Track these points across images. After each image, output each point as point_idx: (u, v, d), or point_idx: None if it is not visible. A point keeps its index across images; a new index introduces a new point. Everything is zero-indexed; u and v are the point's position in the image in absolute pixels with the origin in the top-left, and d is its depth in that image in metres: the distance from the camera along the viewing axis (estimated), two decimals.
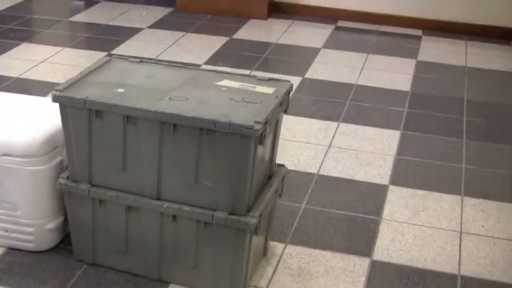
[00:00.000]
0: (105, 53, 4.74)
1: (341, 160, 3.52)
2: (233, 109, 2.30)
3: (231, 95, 2.41)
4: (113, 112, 2.32)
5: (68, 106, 2.36)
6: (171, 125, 2.28)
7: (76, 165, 2.47)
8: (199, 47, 4.96)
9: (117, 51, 4.81)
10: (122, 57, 2.71)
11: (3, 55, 4.72)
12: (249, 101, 2.36)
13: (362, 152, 3.60)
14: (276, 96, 2.42)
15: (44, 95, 3.95)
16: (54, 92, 2.37)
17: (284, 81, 2.55)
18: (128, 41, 5.04)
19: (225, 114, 2.25)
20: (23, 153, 2.49)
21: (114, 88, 2.42)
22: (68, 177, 2.51)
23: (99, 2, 5.99)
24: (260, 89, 2.47)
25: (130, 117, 2.32)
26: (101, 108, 2.33)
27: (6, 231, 2.65)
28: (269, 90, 2.46)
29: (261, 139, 2.27)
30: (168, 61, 4.62)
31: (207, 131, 2.25)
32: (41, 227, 2.62)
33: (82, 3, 5.96)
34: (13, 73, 4.40)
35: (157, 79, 2.53)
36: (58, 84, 4.23)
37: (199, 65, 4.59)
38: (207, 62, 4.66)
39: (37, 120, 2.61)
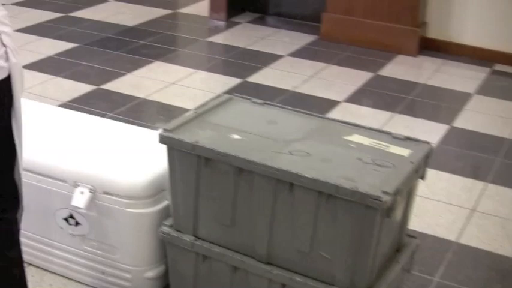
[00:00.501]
0: (239, 80, 4.59)
1: (484, 228, 3.16)
2: (360, 172, 2.04)
3: (360, 154, 2.15)
4: (224, 162, 2.11)
5: (176, 149, 2.18)
6: (287, 184, 2.04)
7: (181, 214, 2.28)
8: (340, 82, 4.71)
9: (252, 78, 4.64)
10: (244, 97, 2.51)
11: (134, 72, 4.68)
12: (379, 164, 2.09)
13: (510, 221, 3.22)
14: (412, 162, 2.13)
15: (169, 122, 3.83)
16: (161, 132, 2.20)
17: (423, 142, 2.26)
18: (265, 68, 4.87)
19: (349, 179, 1.99)
20: (125, 193, 2.33)
21: (229, 133, 2.22)
22: (171, 226, 2.33)
23: (240, 23, 5.88)
24: (394, 149, 2.19)
25: (243, 170, 2.10)
26: (211, 156, 2.13)
27: (103, 273, 2.50)
28: (404, 152, 2.18)
29: (389, 212, 1.99)
30: (305, 95, 4.41)
31: (327, 196, 2.00)
32: (140, 275, 2.46)
33: (223, 23, 5.87)
34: (141, 93, 4.33)
35: (279, 127, 2.31)
36: (186, 110, 4.18)
37: (338, 102, 4.34)
38: (348, 99, 4.41)
39: (145, 157, 2.45)
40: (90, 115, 2.80)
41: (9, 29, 1.79)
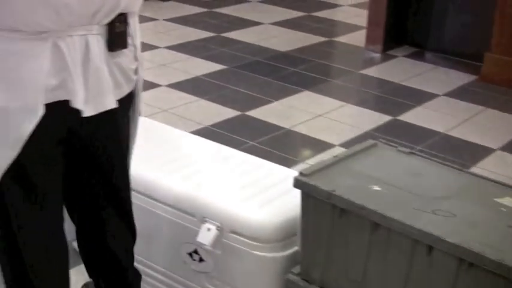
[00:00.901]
0: (389, 118, 4.46)
1: None
2: (508, 242, 1.88)
3: (511, 221, 1.98)
4: (360, 215, 2.01)
5: (311, 196, 2.10)
6: (426, 246, 1.91)
7: (310, 263, 2.20)
8: (497, 128, 4.48)
9: (402, 117, 4.50)
10: (390, 144, 2.39)
11: (281, 100, 4.65)
12: None
13: None
14: None
15: (312, 156, 3.77)
16: (297, 176, 2.12)
17: None
18: (417, 107, 4.71)
19: (496, 248, 1.83)
20: (253, 235, 2.26)
21: (369, 183, 2.12)
22: (298, 274, 2.25)
23: (396, 56, 5.74)
24: None
25: (379, 225, 1.99)
26: (347, 207, 2.03)
27: None
28: None
29: None
30: (457, 139, 4.22)
31: (468, 264, 1.85)
32: None
33: (379, 55, 5.75)
34: (286, 123, 4.29)
35: (424, 181, 2.17)
36: (330, 144, 4.10)
37: (493, 150, 4.12)
38: (504, 148, 4.18)
39: (278, 197, 2.37)
40: (224, 146, 2.75)
41: (139, 42, 1.85)
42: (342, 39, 6.18)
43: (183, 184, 2.43)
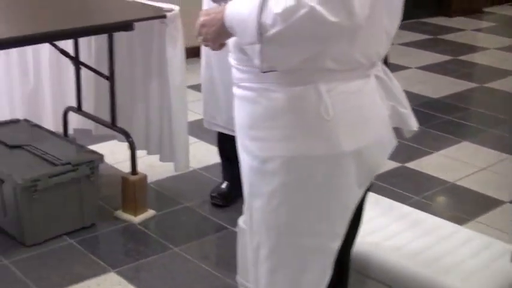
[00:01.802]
0: None
1: None
2: None
3: None
4: None
5: None
6: None
7: None
8: None
9: None
10: None
11: (442, 151, 4.49)
12: None
13: None
14: None
15: (482, 214, 3.58)
16: None
17: None
18: None
19: None
20: None
21: None
22: None
23: None
24: None
25: None
26: None
27: None
28: None
29: None
30: None
31: None
32: None
33: None
34: (449, 176, 4.12)
35: None
36: (500, 201, 3.88)
37: None
38: None
39: (480, 267, 2.23)
40: (406, 206, 2.66)
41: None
42: (494, 85, 5.96)
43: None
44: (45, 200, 3.21)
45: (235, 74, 1.79)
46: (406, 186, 3.97)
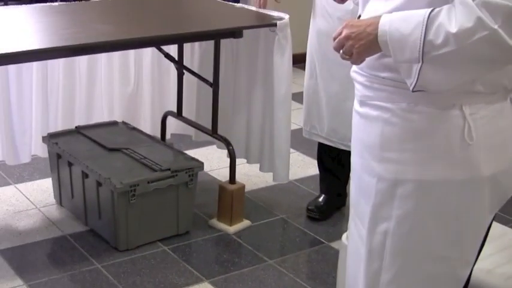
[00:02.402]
0: None
1: None
2: None
3: None
4: None
5: None
6: None
7: None
8: None
9: None
10: None
11: None
12: None
13: None
14: None
15: None
16: None
17: None
18: None
19: None
20: None
21: None
22: None
23: None
24: None
25: None
26: None
27: None
28: None
29: None
30: None
31: None
32: None
33: None
34: None
35: None
36: None
37: None
38: None
39: None
40: None
41: None
42: None
43: None
44: (142, 206, 3.20)
45: (363, 91, 1.75)
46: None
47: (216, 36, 3.33)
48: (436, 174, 1.63)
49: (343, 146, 3.43)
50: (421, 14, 1.51)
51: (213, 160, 4.16)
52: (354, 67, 1.78)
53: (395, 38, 1.55)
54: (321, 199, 3.67)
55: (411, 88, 1.56)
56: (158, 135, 3.92)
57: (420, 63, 1.51)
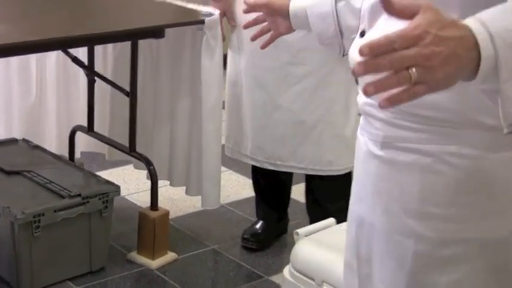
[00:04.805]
0: None
1: None
2: None
3: None
4: None
5: None
6: None
7: None
8: None
9: None
10: None
11: None
12: None
13: None
14: None
15: None
16: None
17: None
18: None
19: None
20: None
21: None
22: None
23: None
24: None
25: None
26: None
27: None
28: None
29: None
30: None
31: None
32: None
33: None
34: None
35: None
36: None
37: None
38: None
39: None
40: None
41: None
42: None
43: None
44: (48, 239, 3.10)
45: (387, 130, 1.52)
46: None
47: (133, 36, 3.30)
48: (495, 231, 1.48)
49: (270, 165, 3.43)
50: None
51: (131, 183, 4.15)
52: (366, 98, 1.50)
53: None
54: (258, 226, 3.65)
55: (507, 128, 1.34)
56: (66, 154, 3.83)
57: None
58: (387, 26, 1.33)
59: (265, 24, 1.97)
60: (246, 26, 2.01)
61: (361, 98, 1.58)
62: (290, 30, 1.93)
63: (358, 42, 1.56)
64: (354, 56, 1.51)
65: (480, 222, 1.47)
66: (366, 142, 1.60)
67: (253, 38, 2.01)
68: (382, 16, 1.46)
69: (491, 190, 1.46)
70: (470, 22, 1.21)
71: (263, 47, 2.00)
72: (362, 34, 1.55)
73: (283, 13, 1.90)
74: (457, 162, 1.45)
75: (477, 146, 1.44)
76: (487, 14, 1.23)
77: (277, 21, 1.93)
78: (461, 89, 1.28)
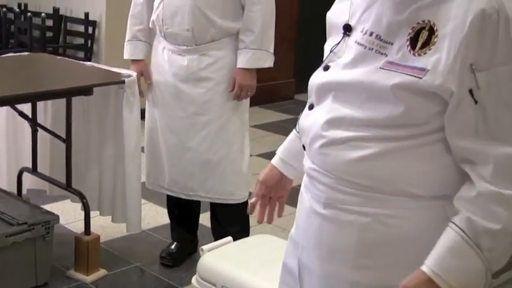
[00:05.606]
0: None
1: None
2: None
3: None
4: None
5: None
6: None
7: None
8: None
9: None
10: None
11: None
12: None
13: None
14: None
15: None
16: None
17: None
18: None
19: None
20: None
21: None
22: None
23: None
24: None
25: None
26: None
27: None
28: None
29: None
30: None
31: None
32: None
33: None
34: None
35: None
36: None
37: None
38: None
39: None
40: None
41: None
42: None
43: None
44: (1, 260, 3.35)
45: (329, 193, 1.62)
46: None
47: (68, 94, 3.56)
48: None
49: (184, 195, 3.70)
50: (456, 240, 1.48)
51: (68, 213, 4.36)
52: (312, 164, 1.64)
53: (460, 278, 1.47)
54: (173, 246, 3.95)
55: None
56: (15, 190, 4.08)
57: None
58: (333, 108, 1.56)
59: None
60: (252, 211, 1.96)
61: (307, 163, 1.66)
62: (291, 180, 1.93)
63: (306, 113, 1.67)
64: (304, 124, 1.65)
65: (402, 271, 1.52)
66: (309, 200, 1.67)
67: (260, 219, 1.98)
68: (329, 97, 1.58)
69: (421, 242, 1.53)
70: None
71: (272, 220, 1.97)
72: (310, 107, 1.65)
73: (278, 177, 1.90)
74: (391, 222, 1.55)
75: (407, 209, 1.54)
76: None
77: (279, 185, 1.92)
78: (394, 162, 1.51)
